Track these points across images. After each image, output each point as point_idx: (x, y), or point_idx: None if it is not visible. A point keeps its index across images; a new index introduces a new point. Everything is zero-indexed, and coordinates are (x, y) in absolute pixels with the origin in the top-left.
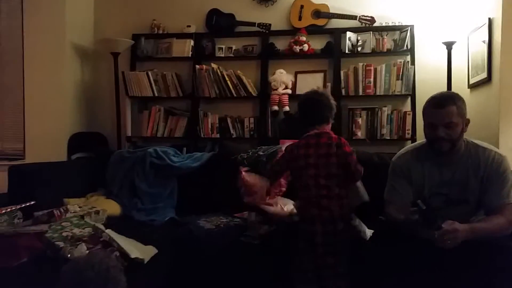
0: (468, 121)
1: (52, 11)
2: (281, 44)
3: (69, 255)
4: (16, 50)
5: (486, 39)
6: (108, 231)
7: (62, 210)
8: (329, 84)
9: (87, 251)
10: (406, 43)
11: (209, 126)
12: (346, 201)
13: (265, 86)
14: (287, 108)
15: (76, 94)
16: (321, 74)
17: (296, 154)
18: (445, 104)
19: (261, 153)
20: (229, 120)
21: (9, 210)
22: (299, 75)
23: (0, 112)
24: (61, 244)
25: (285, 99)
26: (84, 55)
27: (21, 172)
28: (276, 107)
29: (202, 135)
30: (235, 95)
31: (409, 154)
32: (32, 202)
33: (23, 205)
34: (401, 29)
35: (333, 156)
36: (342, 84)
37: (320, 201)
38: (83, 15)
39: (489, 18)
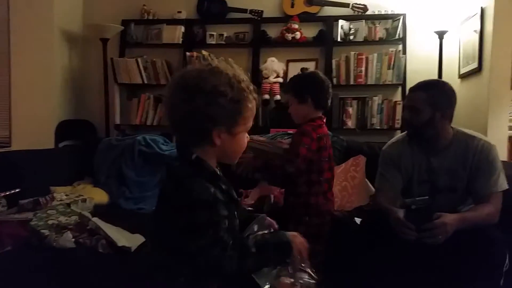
0: (446, 114)
1: None
2: (273, 31)
3: (54, 244)
4: (2, 35)
5: (478, 28)
6: (95, 219)
7: (48, 198)
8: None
9: (73, 239)
10: (398, 32)
11: None
12: None
13: (256, 75)
14: (278, 97)
15: (64, 81)
16: (313, 63)
17: (324, 144)
18: (416, 89)
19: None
20: None
21: None
22: (290, 64)
23: None
24: (46, 232)
25: (276, 87)
26: (72, 41)
27: (7, 160)
28: (267, 96)
29: None
30: None
31: (399, 143)
32: (17, 190)
33: (8, 193)
34: (393, 17)
35: None
36: (334, 73)
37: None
38: None
39: (481, 8)
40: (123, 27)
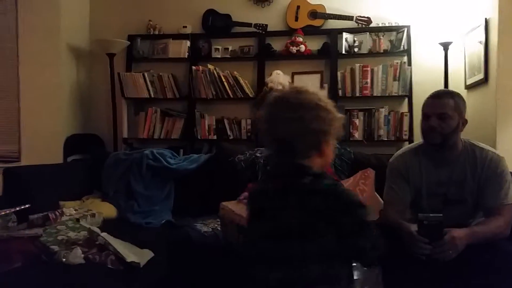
0: (465, 121)
1: (47, 12)
2: (277, 45)
3: (64, 259)
4: (11, 51)
5: (483, 39)
6: (104, 234)
7: (58, 213)
8: (326, 85)
9: (82, 255)
10: (402, 44)
11: (206, 128)
12: None
13: (262, 87)
14: None
15: (72, 96)
16: (318, 75)
17: None
18: (442, 95)
19: (259, 155)
20: (226, 122)
21: (3, 213)
22: (296, 76)
23: None
24: (55, 248)
25: None
26: (79, 56)
27: (16, 175)
28: None
29: (199, 137)
30: (232, 96)
31: (407, 155)
32: (27, 205)
33: (18, 208)
34: (397, 29)
35: None
36: (339, 85)
37: None
38: (79, 15)
39: (486, 19)
40: (129, 42)
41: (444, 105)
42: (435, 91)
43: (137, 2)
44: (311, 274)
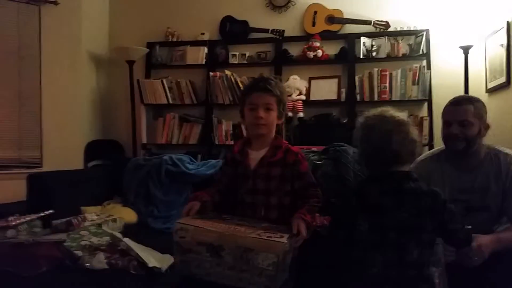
0: (487, 126)
1: (68, 20)
2: (294, 50)
3: (87, 265)
4: (34, 58)
5: (505, 42)
6: (126, 239)
7: (80, 219)
8: (343, 90)
9: (105, 260)
10: (421, 48)
11: (223, 133)
12: None
13: None
14: (301, 114)
15: (93, 102)
16: (335, 80)
17: None
18: (462, 102)
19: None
20: (243, 127)
21: (28, 219)
22: (313, 81)
23: (17, 120)
24: (79, 253)
25: (299, 105)
26: (99, 63)
27: (40, 180)
28: (290, 113)
29: (216, 142)
30: None
31: (428, 161)
32: (51, 211)
33: (42, 214)
34: (416, 33)
35: None
36: (357, 90)
37: None
38: (99, 23)
39: (508, 22)
40: (148, 49)
41: (464, 112)
42: (455, 98)
43: (156, 9)
44: (411, 258)
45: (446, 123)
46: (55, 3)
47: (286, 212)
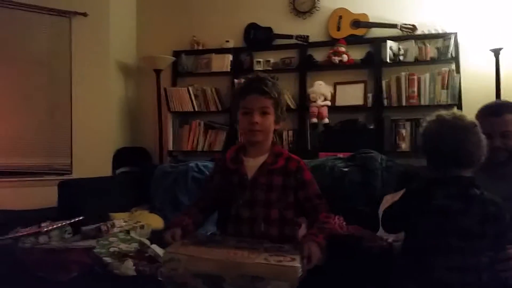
0: None
1: (97, 31)
2: (319, 55)
3: (116, 271)
4: (64, 69)
5: None
6: (154, 246)
7: (109, 225)
8: (369, 95)
9: (134, 267)
10: (450, 51)
11: None
12: None
13: (303, 99)
14: (326, 120)
15: (121, 110)
16: (362, 85)
17: None
18: (501, 111)
19: None
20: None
21: (60, 225)
22: (338, 86)
23: (49, 129)
24: (108, 259)
25: (324, 111)
26: (128, 72)
27: (70, 187)
28: (315, 119)
29: None
30: None
31: None
32: (81, 218)
33: (73, 221)
34: (444, 36)
35: None
36: (384, 95)
37: None
38: (126, 33)
39: None
40: (174, 58)
41: (506, 122)
42: (491, 107)
43: (181, 19)
44: (471, 263)
45: (487, 136)
46: (85, 15)
47: (287, 229)
